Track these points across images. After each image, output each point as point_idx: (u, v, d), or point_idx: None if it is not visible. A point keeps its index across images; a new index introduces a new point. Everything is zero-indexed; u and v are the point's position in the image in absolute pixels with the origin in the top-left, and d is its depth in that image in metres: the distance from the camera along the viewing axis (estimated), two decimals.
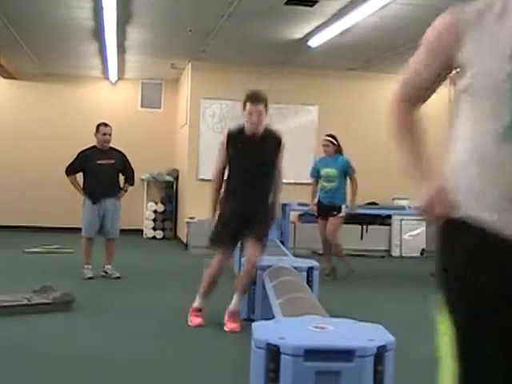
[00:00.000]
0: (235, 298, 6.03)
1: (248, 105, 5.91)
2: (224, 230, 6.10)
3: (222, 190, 6.23)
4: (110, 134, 8.67)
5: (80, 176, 8.67)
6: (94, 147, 8.68)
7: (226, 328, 5.89)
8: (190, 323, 6.07)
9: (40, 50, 11.74)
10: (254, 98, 5.92)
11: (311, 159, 11.91)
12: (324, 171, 9.09)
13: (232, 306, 6.00)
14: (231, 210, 6.07)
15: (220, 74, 12.15)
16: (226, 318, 5.96)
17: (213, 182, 6.28)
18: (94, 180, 8.54)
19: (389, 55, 10.97)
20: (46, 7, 8.79)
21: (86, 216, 8.56)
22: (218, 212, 6.23)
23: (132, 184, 8.97)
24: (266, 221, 6.15)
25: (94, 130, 8.69)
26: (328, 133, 9.37)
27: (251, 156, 6.00)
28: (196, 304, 6.15)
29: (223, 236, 6.12)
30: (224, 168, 6.16)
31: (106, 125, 8.70)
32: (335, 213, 9.08)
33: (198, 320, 6.08)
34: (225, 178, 6.23)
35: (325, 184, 9.11)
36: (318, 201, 9.24)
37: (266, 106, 5.94)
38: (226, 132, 6.18)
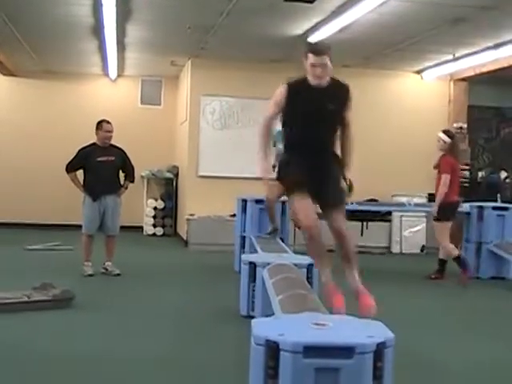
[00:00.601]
0: (352, 275, 5.38)
1: (311, 57, 5.27)
2: (301, 179, 5.30)
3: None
4: (111, 131, 8.67)
5: (80, 173, 8.67)
6: (94, 144, 8.68)
7: (363, 308, 5.06)
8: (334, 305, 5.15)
9: (39, 47, 11.73)
10: (318, 51, 5.31)
11: None
12: None
13: (356, 284, 5.33)
14: (303, 162, 5.32)
15: (220, 71, 12.15)
16: (360, 297, 5.24)
17: (260, 132, 5.49)
18: (94, 177, 8.53)
19: (388, 52, 10.97)
20: (46, 4, 8.78)
21: (87, 213, 8.56)
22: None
23: (132, 181, 8.97)
24: (340, 183, 5.55)
25: (95, 127, 8.68)
26: None
27: (317, 106, 5.36)
28: (327, 282, 5.34)
29: (302, 184, 5.31)
30: (275, 117, 5.52)
31: (108, 122, 8.69)
32: None
33: (338, 299, 5.21)
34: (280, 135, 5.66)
35: None
36: None
37: (330, 57, 5.30)
38: (283, 86, 5.42)
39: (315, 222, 5.30)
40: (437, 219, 8.92)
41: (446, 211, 8.79)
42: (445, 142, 8.91)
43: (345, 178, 5.64)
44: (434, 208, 8.86)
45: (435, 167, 9.07)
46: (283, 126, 5.56)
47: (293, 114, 5.43)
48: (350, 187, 5.69)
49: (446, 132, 9.14)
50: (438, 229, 9.05)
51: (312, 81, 5.33)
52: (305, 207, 5.30)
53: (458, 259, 8.77)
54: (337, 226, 5.37)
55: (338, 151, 5.68)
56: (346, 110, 5.65)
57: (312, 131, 5.41)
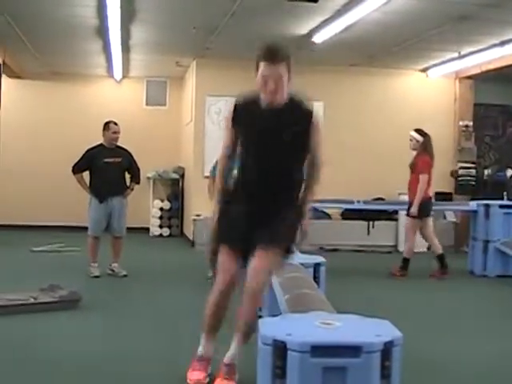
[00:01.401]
0: (233, 345, 4.30)
1: (262, 66, 4.15)
2: (229, 230, 4.32)
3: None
4: (119, 132, 8.68)
5: (86, 174, 8.67)
6: (100, 145, 8.68)
7: None
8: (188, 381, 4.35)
9: (44, 48, 11.74)
10: (271, 58, 4.14)
11: None
12: None
13: (227, 356, 4.28)
14: (240, 210, 4.28)
15: (225, 71, 12.14)
16: (220, 372, 4.24)
17: (218, 171, 4.45)
18: (100, 178, 8.53)
19: (393, 50, 10.95)
20: (50, 6, 8.79)
21: (93, 215, 8.57)
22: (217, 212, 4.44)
23: (138, 182, 8.97)
24: (289, 224, 4.32)
25: (102, 128, 8.68)
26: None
27: (269, 135, 4.22)
28: (199, 350, 4.48)
29: (228, 235, 4.32)
30: (231, 153, 4.39)
31: (115, 123, 8.70)
32: None
33: (195, 374, 4.35)
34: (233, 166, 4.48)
35: None
36: None
37: (288, 67, 4.20)
38: (232, 104, 4.45)
39: (227, 295, 4.35)
40: (413, 216, 9.01)
41: (425, 208, 8.94)
42: (418, 141, 9.03)
43: (299, 222, 4.38)
44: (414, 208, 8.91)
45: (411, 166, 9.11)
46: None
47: (239, 143, 4.37)
48: (304, 235, 4.42)
49: (418, 131, 9.20)
50: (411, 226, 9.18)
51: (263, 98, 4.22)
52: (224, 278, 4.28)
53: (441, 256, 9.16)
54: (255, 267, 4.17)
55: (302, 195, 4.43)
56: (310, 142, 4.34)
57: (262, 168, 4.27)
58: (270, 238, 4.19)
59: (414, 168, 9.02)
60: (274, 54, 4.17)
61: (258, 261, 4.15)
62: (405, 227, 9.54)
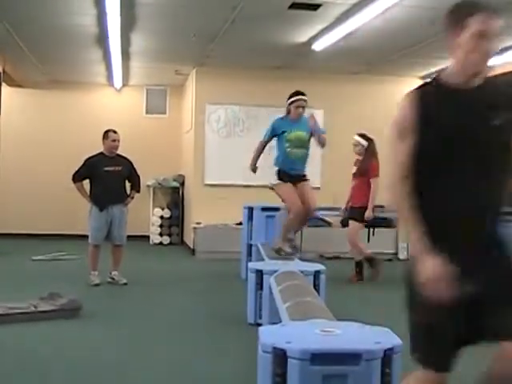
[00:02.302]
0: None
1: (476, 19, 2.81)
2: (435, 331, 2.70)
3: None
4: (118, 141, 8.69)
5: (86, 183, 8.67)
6: (101, 154, 8.68)
7: None
8: None
9: (44, 57, 11.77)
10: (488, 8, 2.87)
11: (318, 163, 11.92)
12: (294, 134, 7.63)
13: None
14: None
15: (224, 79, 12.17)
16: None
17: (399, 199, 2.75)
18: (101, 187, 8.53)
19: (393, 58, 10.97)
20: (50, 14, 8.81)
21: (93, 223, 8.56)
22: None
23: (138, 191, 8.97)
24: None
25: (102, 137, 8.69)
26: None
27: (485, 133, 2.71)
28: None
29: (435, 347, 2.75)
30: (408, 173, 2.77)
31: (114, 131, 8.70)
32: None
33: None
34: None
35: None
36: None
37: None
38: (406, 101, 2.82)
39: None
40: (356, 220, 9.12)
41: (363, 213, 9.06)
42: (362, 146, 9.04)
43: None
44: (369, 212, 9.03)
45: (358, 171, 9.17)
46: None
47: (426, 155, 2.73)
48: None
49: (362, 135, 9.23)
50: (355, 229, 9.22)
51: (462, 70, 2.88)
52: None
53: (370, 259, 9.24)
54: None
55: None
56: None
57: (475, 196, 2.68)
58: None
59: (364, 173, 9.05)
60: (489, 7, 2.90)
61: None
62: (348, 233, 9.35)
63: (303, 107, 7.60)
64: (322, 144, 7.63)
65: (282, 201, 7.79)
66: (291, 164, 7.59)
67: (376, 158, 9.07)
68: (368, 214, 8.98)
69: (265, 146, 7.82)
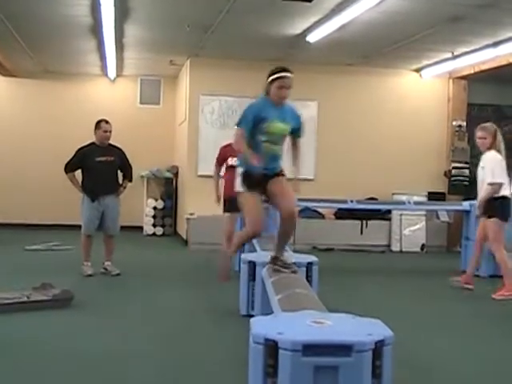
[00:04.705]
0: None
1: None
2: None
3: None
4: (110, 131, 8.67)
5: (78, 173, 8.66)
6: (92, 144, 8.67)
7: None
8: None
9: (38, 47, 11.73)
10: None
11: (311, 155, 11.93)
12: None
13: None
14: None
15: (219, 71, 12.15)
16: None
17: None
18: (93, 177, 8.52)
19: (387, 50, 10.96)
20: (44, 4, 8.77)
21: (86, 214, 8.55)
22: None
23: (131, 180, 8.96)
24: None
25: (94, 127, 8.67)
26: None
27: None
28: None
29: None
30: None
31: (106, 122, 8.68)
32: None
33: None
34: None
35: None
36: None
37: None
38: None
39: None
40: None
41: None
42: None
43: None
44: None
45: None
46: None
47: None
48: None
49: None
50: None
51: None
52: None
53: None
54: None
55: None
56: None
57: None
58: None
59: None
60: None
61: None
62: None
63: (288, 87, 5.71)
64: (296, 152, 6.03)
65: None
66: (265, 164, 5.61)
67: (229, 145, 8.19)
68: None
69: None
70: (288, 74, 5.74)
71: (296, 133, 5.87)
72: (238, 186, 5.83)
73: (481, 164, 8.01)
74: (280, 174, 5.80)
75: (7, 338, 5.35)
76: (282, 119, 5.68)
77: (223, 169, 8.94)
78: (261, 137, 5.63)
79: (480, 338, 5.94)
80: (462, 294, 8.08)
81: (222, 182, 8.92)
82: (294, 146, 5.94)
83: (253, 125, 5.59)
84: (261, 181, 5.67)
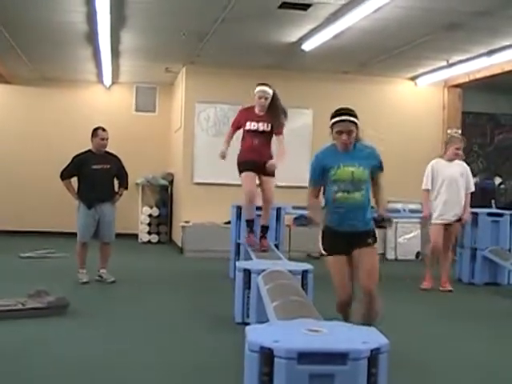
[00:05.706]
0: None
1: None
2: None
3: None
4: (107, 139, 8.66)
5: (74, 180, 8.65)
6: (89, 151, 8.66)
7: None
8: None
9: (34, 54, 11.73)
10: None
11: (306, 163, 11.92)
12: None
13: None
14: None
15: (214, 78, 12.16)
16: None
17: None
18: (89, 185, 8.50)
19: (382, 58, 10.99)
20: (40, 12, 8.78)
21: (81, 221, 8.54)
22: None
23: (126, 188, 8.95)
24: None
25: (91, 134, 8.66)
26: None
27: None
28: None
29: None
30: None
31: (103, 129, 8.67)
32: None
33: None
34: None
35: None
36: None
37: None
38: None
39: None
40: None
41: None
42: None
43: None
44: None
45: None
46: None
47: None
48: None
49: None
50: None
51: None
52: None
53: None
54: None
55: None
56: None
57: None
58: None
59: None
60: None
61: None
62: None
63: (348, 132, 5.50)
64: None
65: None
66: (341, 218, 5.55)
67: None
68: None
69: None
70: (345, 118, 5.55)
71: (375, 172, 5.49)
72: (319, 246, 5.73)
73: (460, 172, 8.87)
74: (371, 238, 5.79)
75: (2, 346, 5.34)
76: (351, 163, 5.35)
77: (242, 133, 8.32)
78: (331, 187, 5.36)
79: (475, 343, 5.94)
80: (456, 302, 8.08)
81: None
82: (374, 182, 5.57)
83: (321, 177, 5.41)
84: (343, 241, 5.50)
